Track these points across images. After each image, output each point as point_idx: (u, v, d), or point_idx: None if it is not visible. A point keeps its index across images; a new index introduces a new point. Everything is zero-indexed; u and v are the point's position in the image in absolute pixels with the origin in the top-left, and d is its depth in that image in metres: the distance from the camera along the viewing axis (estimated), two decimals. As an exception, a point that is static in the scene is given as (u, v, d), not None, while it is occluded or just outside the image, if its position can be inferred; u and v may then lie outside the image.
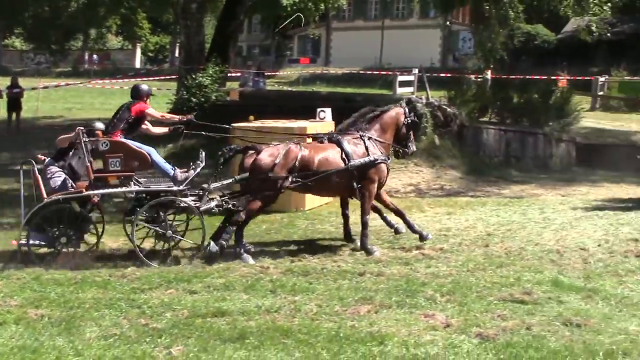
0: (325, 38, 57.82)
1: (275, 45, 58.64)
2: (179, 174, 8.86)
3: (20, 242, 8.40)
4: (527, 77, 26.97)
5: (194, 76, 20.77)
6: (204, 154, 9.22)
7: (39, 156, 9.21)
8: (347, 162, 8.81)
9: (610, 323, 5.67)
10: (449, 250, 8.48)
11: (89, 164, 8.52)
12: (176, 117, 9.57)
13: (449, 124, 18.32)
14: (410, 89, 27.91)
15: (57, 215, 8.48)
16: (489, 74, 26.96)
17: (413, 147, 9.61)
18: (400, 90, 26.67)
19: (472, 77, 24.56)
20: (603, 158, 21.81)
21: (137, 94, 9.27)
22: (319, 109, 13.56)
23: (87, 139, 8.59)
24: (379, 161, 8.99)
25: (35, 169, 8.68)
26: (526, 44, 50.40)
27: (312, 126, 12.41)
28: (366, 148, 8.98)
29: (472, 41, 44.23)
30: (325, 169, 8.78)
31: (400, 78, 27.90)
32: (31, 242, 8.43)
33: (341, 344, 5.28)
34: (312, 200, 12.06)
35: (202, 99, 20.37)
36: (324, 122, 13.18)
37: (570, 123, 23.03)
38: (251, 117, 12.91)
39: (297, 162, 8.70)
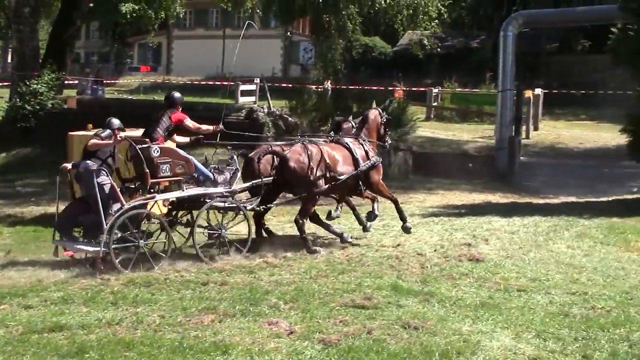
0: (166, 46, 56.99)
1: (114, 52, 57.17)
2: (219, 177, 9.34)
3: (103, 248, 8.27)
4: (366, 87, 27.69)
5: (27, 83, 19.96)
6: (236, 157, 9.72)
7: (65, 165, 9.16)
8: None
9: (446, 324, 5.90)
10: (292, 258, 8.55)
11: (147, 171, 8.66)
12: (211, 128, 9.94)
13: (291, 133, 18.52)
14: (252, 99, 27.95)
15: (132, 221, 8.54)
16: (329, 84, 27.46)
17: (389, 140, 11.19)
18: (242, 100, 26.66)
19: (313, 87, 24.95)
20: (438, 166, 22.70)
21: (173, 103, 9.82)
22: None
23: (140, 146, 8.80)
24: (380, 161, 10.24)
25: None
26: (364, 55, 51.75)
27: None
28: (365, 151, 9.96)
29: (312, 52, 45.01)
30: (344, 168, 9.56)
31: (242, 87, 27.90)
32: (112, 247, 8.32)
33: (185, 354, 5.22)
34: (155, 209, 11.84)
35: (37, 107, 19.61)
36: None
37: (407, 132, 23.82)
38: (89, 126, 12.54)
39: (328, 162, 9.39)
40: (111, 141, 8.88)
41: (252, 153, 9.88)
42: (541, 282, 7.38)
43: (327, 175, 9.38)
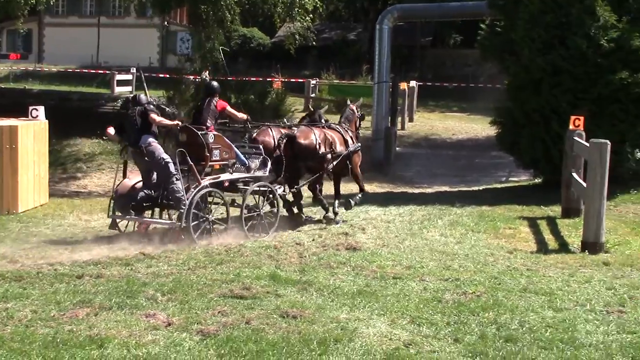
0: (38, 33, 54.96)
1: (-19, 39, 54.75)
2: (251, 164, 10.25)
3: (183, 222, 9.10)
4: (245, 78, 27.62)
5: None
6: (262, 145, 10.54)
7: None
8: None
9: (324, 313, 5.98)
10: (170, 250, 8.47)
11: (207, 155, 9.61)
12: (245, 116, 10.87)
13: (168, 124, 18.27)
14: (129, 88, 27.43)
15: (202, 197, 9.51)
16: (207, 75, 27.25)
17: (359, 133, 12.95)
18: (118, 90, 26.12)
19: (191, 77, 24.70)
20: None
21: (213, 91, 10.52)
22: (31, 108, 12.93)
23: (201, 132, 9.70)
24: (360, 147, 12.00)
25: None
26: (243, 46, 51.62)
27: (24, 125, 11.80)
28: (350, 137, 11.68)
29: (190, 42, 44.48)
30: (340, 148, 11.23)
31: (118, 77, 27.35)
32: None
33: (58, 349, 5.07)
34: (25, 202, 11.49)
35: None
36: (37, 120, 12.59)
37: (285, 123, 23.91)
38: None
39: (330, 141, 11.02)
40: (174, 123, 10.07)
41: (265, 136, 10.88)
42: (416, 269, 7.58)
43: (331, 151, 10.96)
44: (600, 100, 12.66)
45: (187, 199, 9.16)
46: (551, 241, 9.38)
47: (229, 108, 10.63)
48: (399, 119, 27.28)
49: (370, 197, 13.89)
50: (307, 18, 27.96)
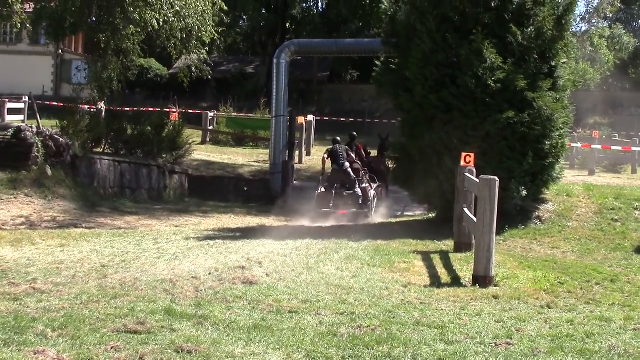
0: None
1: None
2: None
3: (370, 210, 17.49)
4: (142, 109, 27.33)
5: None
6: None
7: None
8: None
9: (219, 347, 5.95)
10: (62, 284, 8.24)
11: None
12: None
13: (62, 154, 17.86)
14: (21, 117, 26.76)
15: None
16: (103, 105, 26.84)
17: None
18: (9, 118, 25.43)
19: (86, 107, 24.26)
20: (213, 189, 22.87)
21: (354, 137, 20.45)
22: None
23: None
24: None
25: None
26: (140, 77, 51.06)
27: None
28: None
29: (86, 71, 43.72)
30: None
31: (9, 105, 26.63)
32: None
33: (-58, 390, 4.87)
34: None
35: None
36: None
37: (183, 155, 23.81)
38: None
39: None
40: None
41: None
42: (312, 303, 7.63)
43: None
44: (489, 138, 13.14)
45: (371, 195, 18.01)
46: (444, 275, 9.62)
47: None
48: (297, 152, 27.52)
49: (268, 231, 13.94)
50: (204, 51, 27.98)
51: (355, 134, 20.75)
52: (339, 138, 19.18)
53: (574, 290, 8.92)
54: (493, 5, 13.62)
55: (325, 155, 18.68)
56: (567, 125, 14.20)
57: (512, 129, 13.06)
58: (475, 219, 9.72)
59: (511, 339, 6.40)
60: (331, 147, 18.79)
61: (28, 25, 26.06)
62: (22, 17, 25.07)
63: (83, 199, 17.33)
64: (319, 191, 18.09)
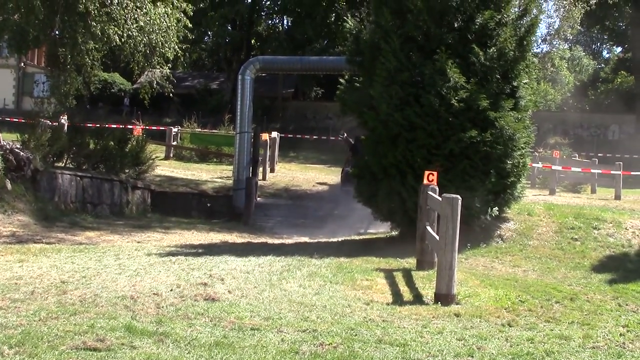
0: None
1: None
2: None
3: None
4: (105, 124, 27.12)
5: None
6: None
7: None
8: None
9: (181, 364, 5.90)
10: (20, 300, 8.11)
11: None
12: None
13: (22, 169, 17.64)
14: (-20, 130, 26.32)
15: None
16: (65, 119, 26.59)
17: None
18: (-32, 131, 25.03)
19: (48, 122, 24.00)
20: (176, 205, 22.75)
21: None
22: None
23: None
24: None
25: None
26: (103, 91, 50.76)
27: None
28: None
29: (46, 84, 43.32)
30: None
31: (-31, 118, 26.29)
32: None
33: None
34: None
35: None
36: None
37: (146, 171, 23.67)
38: None
39: None
40: None
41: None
42: (274, 320, 7.61)
43: None
44: (452, 157, 13.24)
45: None
46: (406, 293, 9.65)
47: None
48: (260, 169, 27.49)
49: (230, 247, 13.88)
50: (166, 67, 27.88)
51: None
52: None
53: (534, 308, 9.00)
54: (456, 25, 13.77)
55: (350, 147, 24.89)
56: (529, 145, 14.37)
57: (475, 148, 13.18)
58: (437, 237, 9.78)
59: (472, 357, 6.43)
60: (353, 142, 24.16)
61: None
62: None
63: (43, 213, 17.11)
64: (344, 172, 24.81)
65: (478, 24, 13.75)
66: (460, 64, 13.36)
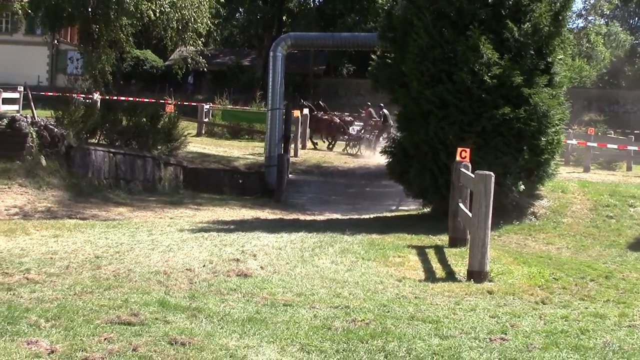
0: None
1: None
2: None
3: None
4: (137, 100, 27.26)
5: None
6: None
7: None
8: None
9: (213, 340, 5.93)
10: (55, 274, 8.21)
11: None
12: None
13: (57, 145, 17.80)
14: (16, 107, 26.68)
15: None
16: (97, 95, 26.76)
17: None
18: (4, 108, 25.34)
19: (81, 97, 24.17)
20: (208, 182, 22.83)
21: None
22: None
23: None
24: None
25: None
26: (136, 68, 50.95)
27: None
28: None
29: (80, 61, 43.65)
30: None
31: (4, 95, 26.53)
32: None
33: None
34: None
35: None
36: None
37: (178, 147, 23.76)
38: None
39: None
40: None
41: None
42: (306, 296, 7.62)
43: None
44: (485, 134, 13.14)
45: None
46: (438, 270, 9.61)
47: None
48: (292, 146, 27.49)
49: (262, 224, 13.92)
50: (200, 42, 27.86)
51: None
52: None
53: (568, 286, 8.92)
54: (490, 1, 13.61)
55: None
56: (563, 122, 14.22)
57: (508, 124, 13.05)
58: (470, 214, 9.72)
59: (505, 334, 6.39)
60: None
61: (30, 12, 25.90)
62: (23, 3, 24.94)
63: (77, 189, 17.27)
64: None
65: (512, -1, 13.58)
66: (494, 40, 13.22)
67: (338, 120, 32.28)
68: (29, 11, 25.97)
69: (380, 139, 29.32)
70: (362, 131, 32.10)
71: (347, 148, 31.03)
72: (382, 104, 30.42)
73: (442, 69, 13.34)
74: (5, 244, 10.08)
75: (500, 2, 13.55)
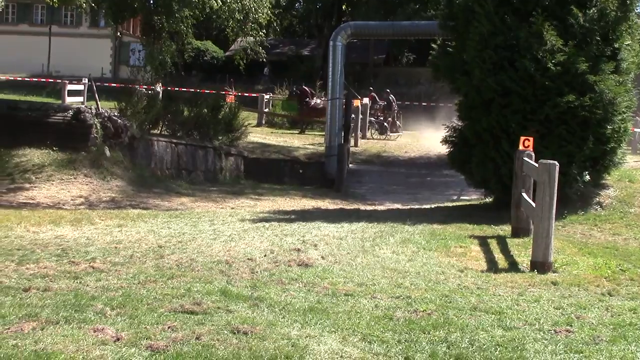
0: (-14, 41, 54.11)
1: None
2: None
3: None
4: (198, 91, 27.52)
5: None
6: None
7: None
8: None
9: (275, 329, 5.95)
10: (120, 263, 8.35)
11: None
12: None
13: (120, 136, 18.10)
14: (80, 99, 27.16)
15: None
16: (159, 87, 27.08)
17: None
18: (69, 100, 25.84)
19: (144, 89, 24.52)
20: (269, 172, 22.96)
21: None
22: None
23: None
24: None
25: None
26: (196, 59, 51.40)
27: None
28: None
29: (142, 53, 44.25)
30: None
31: (70, 87, 27.06)
32: None
33: (3, 365, 4.97)
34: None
35: None
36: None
37: (238, 138, 23.94)
38: None
39: None
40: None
41: None
42: (368, 286, 7.60)
43: None
44: (549, 122, 12.89)
45: None
46: (501, 260, 9.49)
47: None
48: (352, 135, 27.44)
49: (323, 214, 13.94)
50: (261, 32, 27.95)
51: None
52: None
53: (636, 277, 8.69)
54: (554, -14, 13.33)
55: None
56: (630, 109, 13.86)
57: (573, 112, 12.79)
58: (533, 204, 9.56)
59: (571, 326, 6.27)
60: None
61: (93, 5, 26.32)
62: (83, -1, 25.38)
63: (140, 179, 17.54)
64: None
65: (577, -16, 13.29)
66: (558, 27, 12.95)
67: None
68: (93, 4, 26.36)
69: (389, 121, 33.56)
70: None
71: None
72: (388, 90, 35.93)
73: (505, 56, 13.13)
74: (72, 233, 10.29)
75: (565, -12, 13.27)
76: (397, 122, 34.37)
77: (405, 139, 32.14)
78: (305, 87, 34.12)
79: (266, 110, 35.12)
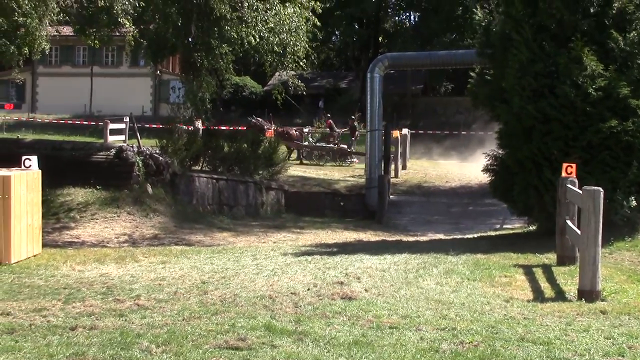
0: (31, 83, 55.25)
1: (-25, 89, 54.94)
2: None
3: None
4: (237, 128, 27.75)
5: None
6: None
7: None
8: None
9: (320, 363, 5.93)
10: (164, 300, 8.39)
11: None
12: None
13: (162, 173, 18.29)
14: (122, 137, 27.57)
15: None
16: (199, 123, 27.37)
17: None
18: (111, 139, 26.24)
19: (184, 126, 24.79)
20: (310, 205, 22.99)
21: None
22: (24, 157, 12.91)
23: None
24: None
25: None
26: (235, 94, 51.94)
27: (17, 174, 11.78)
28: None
29: (182, 90, 44.80)
30: None
31: (111, 126, 27.49)
32: None
33: (52, 405, 5.00)
34: (18, 253, 11.41)
35: None
36: (30, 170, 12.57)
37: (279, 171, 24.05)
38: None
39: None
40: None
41: None
42: (412, 318, 7.53)
43: None
44: (591, 148, 12.74)
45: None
46: (547, 289, 9.34)
47: None
48: (392, 166, 27.40)
49: (365, 246, 13.89)
50: (301, 64, 28.11)
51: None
52: None
53: (687, 305, 8.51)
54: (592, 11, 13.24)
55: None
56: (674, 133, 13.63)
57: (616, 137, 12.62)
58: (579, 232, 9.42)
59: (623, 356, 6.14)
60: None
61: (132, 44, 26.77)
62: (128, 37, 25.80)
63: (182, 216, 17.67)
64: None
65: (616, 8, 13.18)
66: (597, 51, 12.84)
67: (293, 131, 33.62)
68: (133, 44, 26.81)
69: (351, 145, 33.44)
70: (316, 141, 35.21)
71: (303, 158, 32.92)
72: (353, 116, 35.36)
73: (544, 83, 13.04)
74: (116, 271, 10.39)
75: (603, 12, 13.18)
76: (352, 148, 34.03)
77: (445, 168, 31.99)
78: (258, 119, 34.58)
79: (306, 143, 35.26)
